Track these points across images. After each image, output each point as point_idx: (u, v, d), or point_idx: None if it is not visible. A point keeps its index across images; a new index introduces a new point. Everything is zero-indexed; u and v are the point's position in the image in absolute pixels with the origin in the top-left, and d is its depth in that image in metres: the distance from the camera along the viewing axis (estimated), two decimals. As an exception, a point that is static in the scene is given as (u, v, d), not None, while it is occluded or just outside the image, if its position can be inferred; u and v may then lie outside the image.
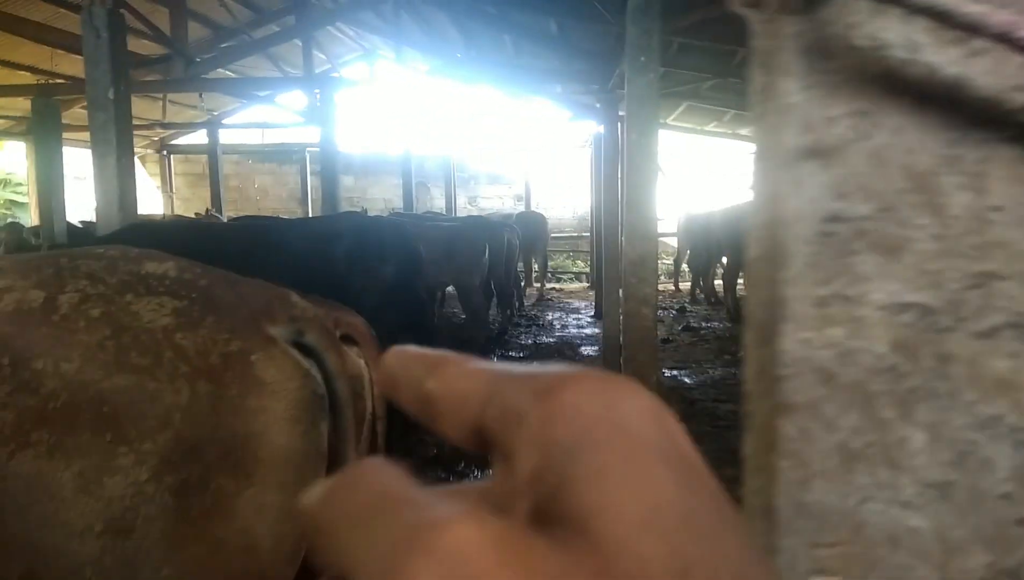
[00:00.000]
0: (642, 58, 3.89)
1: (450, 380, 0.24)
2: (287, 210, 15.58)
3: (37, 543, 1.16)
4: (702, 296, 11.91)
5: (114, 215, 3.71)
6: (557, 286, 14.19)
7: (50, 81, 10.05)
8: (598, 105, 10.69)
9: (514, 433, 0.22)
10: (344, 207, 9.32)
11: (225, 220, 8.84)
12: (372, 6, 9.56)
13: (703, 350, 7.75)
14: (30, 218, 12.39)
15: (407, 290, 5.62)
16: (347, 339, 1.61)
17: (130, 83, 4.34)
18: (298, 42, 10.57)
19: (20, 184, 14.48)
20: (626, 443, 0.21)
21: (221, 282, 1.40)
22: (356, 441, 1.51)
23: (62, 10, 8.87)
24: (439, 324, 8.21)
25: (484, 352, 7.88)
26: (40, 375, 1.16)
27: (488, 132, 16.57)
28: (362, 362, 1.65)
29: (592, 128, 13.50)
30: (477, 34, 10.12)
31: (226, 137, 13.63)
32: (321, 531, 0.21)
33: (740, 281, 11.29)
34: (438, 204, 15.92)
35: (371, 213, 12.11)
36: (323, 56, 12.26)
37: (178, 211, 14.66)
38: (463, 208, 16.36)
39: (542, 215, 13.29)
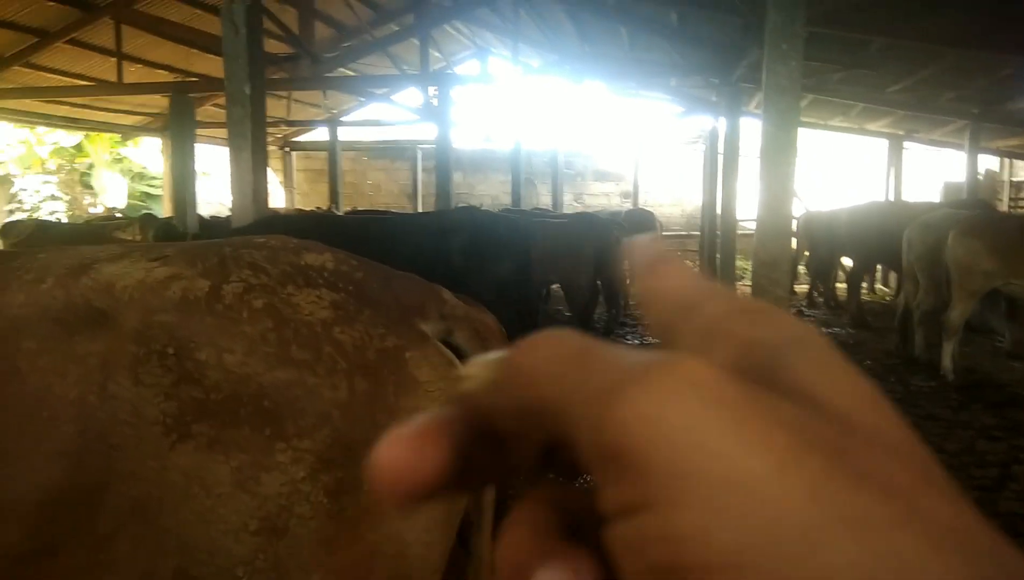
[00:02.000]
0: (783, 46, 3.66)
1: (668, 280, 0.25)
2: (398, 205, 15.96)
3: (191, 539, 1.14)
4: (820, 300, 11.31)
5: (248, 207, 3.83)
6: (665, 286, 13.86)
7: (185, 79, 10.65)
8: (715, 99, 10.32)
9: (716, 332, 0.23)
10: (454, 203, 9.41)
11: (342, 214, 9.06)
12: (490, 3, 9.59)
13: (827, 358, 7.31)
14: (162, 210, 13.20)
15: (520, 287, 5.58)
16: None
17: (264, 80, 4.48)
18: (415, 40, 10.75)
19: (154, 177, 15.47)
20: (827, 347, 0.23)
21: (375, 275, 1.35)
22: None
23: (198, 11, 9.37)
24: (545, 322, 8.13)
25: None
26: (203, 366, 1.14)
27: (596, 128, 16.39)
28: None
29: (705, 124, 13.10)
30: (592, 27, 9.98)
31: (343, 134, 14.07)
32: (522, 375, 0.22)
33: (864, 285, 10.65)
34: (544, 201, 15.86)
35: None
36: (439, 54, 12.43)
37: (298, 205, 15.27)
38: (570, 205, 16.25)
39: (651, 213, 12.99)
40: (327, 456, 1.15)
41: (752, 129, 11.96)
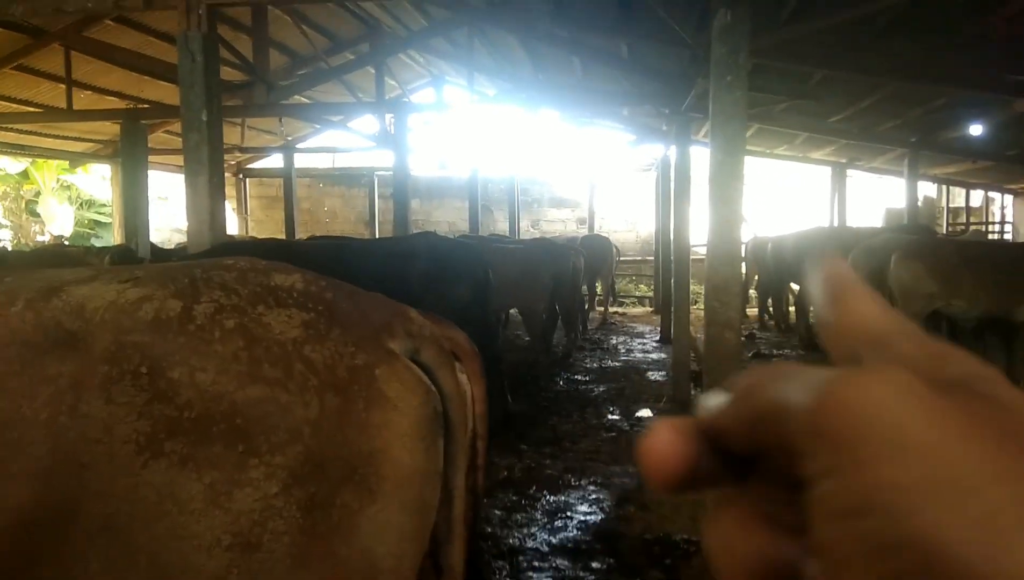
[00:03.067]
0: (728, 77, 3.82)
1: (856, 312, 0.28)
2: (355, 232, 15.90)
3: (164, 556, 1.15)
4: (771, 322, 11.60)
5: (205, 233, 3.82)
6: (620, 310, 14.04)
7: (136, 106, 10.52)
8: (666, 128, 10.60)
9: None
10: (411, 230, 9.43)
11: (300, 241, 8.97)
12: (444, 32, 9.72)
13: (778, 378, 7.49)
14: (112, 238, 12.92)
15: (478, 311, 5.63)
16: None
17: (220, 107, 4.48)
18: (371, 69, 10.82)
19: (103, 205, 15.15)
20: (1012, 386, 0.25)
21: (344, 295, 1.39)
22: (464, 460, 1.47)
23: (151, 38, 9.29)
24: (503, 346, 8.17)
25: (548, 375, 7.82)
26: (176, 385, 1.16)
27: (552, 155, 16.63)
28: (464, 378, 1.61)
29: (657, 151, 13.42)
30: (546, 57, 10.19)
31: (299, 161, 14.02)
32: (750, 389, 0.26)
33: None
34: (501, 227, 16.00)
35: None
36: (394, 82, 12.52)
37: (252, 233, 15.09)
38: (526, 231, 16.42)
39: (607, 238, 13.19)
40: (300, 471, 1.17)
41: (702, 157, 12.31)
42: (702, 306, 10.50)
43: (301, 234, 13.25)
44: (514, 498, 4.36)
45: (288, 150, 13.23)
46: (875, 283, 6.42)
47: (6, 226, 14.88)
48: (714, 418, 0.27)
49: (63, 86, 9.24)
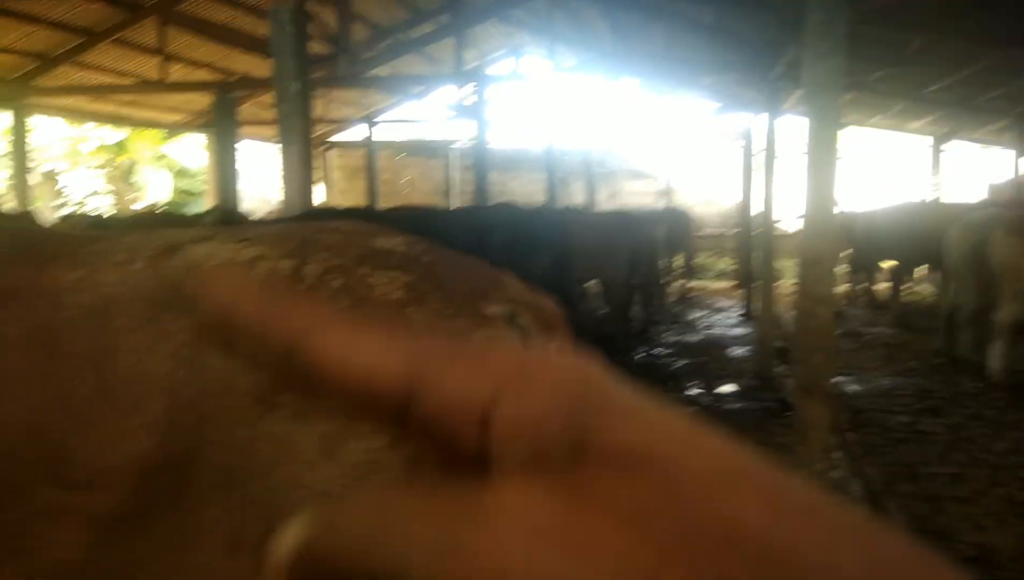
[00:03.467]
0: (824, 45, 3.65)
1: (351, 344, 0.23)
2: (432, 203, 16.08)
3: (277, 505, 1.20)
4: (861, 299, 11.16)
5: (297, 202, 3.94)
6: (700, 284, 13.77)
7: (227, 79, 10.86)
8: (752, 97, 10.25)
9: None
10: (489, 202, 9.45)
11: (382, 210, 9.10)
12: (525, 2, 9.63)
13: (868, 357, 7.24)
14: (205, 206, 13.47)
15: (558, 283, 5.62)
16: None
17: (309, 78, 4.58)
18: (451, 40, 10.84)
19: (194, 174, 15.79)
20: (623, 392, 0.23)
21: (443, 259, 1.41)
22: None
23: (239, 12, 9.56)
24: (583, 319, 8.13)
25: (626, 350, 7.76)
26: (289, 341, 1.20)
27: (631, 127, 16.35)
28: (553, 346, 1.60)
29: (742, 121, 13.01)
30: (627, 26, 9.97)
31: (379, 133, 14.24)
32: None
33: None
34: (578, 199, 15.88)
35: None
36: (474, 53, 12.52)
37: (335, 203, 15.48)
38: (603, 203, 16.24)
39: (686, 212, 12.92)
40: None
41: (792, 127, 11.86)
42: (787, 282, 10.21)
43: (382, 205, 13.51)
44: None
45: (370, 122, 13.45)
46: (976, 260, 6.08)
47: (106, 194, 15.72)
48: None
49: (157, 59, 9.63)
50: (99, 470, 1.21)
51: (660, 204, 15.63)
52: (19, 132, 9.76)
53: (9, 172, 11.09)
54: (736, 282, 13.52)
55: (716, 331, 9.28)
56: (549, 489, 0.20)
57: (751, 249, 10.94)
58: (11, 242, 1.46)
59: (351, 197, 16.19)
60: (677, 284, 12.56)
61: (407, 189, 17.09)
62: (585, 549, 0.19)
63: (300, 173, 4.06)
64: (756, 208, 10.36)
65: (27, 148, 9.99)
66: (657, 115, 15.93)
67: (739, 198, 13.15)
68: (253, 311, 0.25)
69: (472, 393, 0.22)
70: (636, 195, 16.90)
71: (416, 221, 5.33)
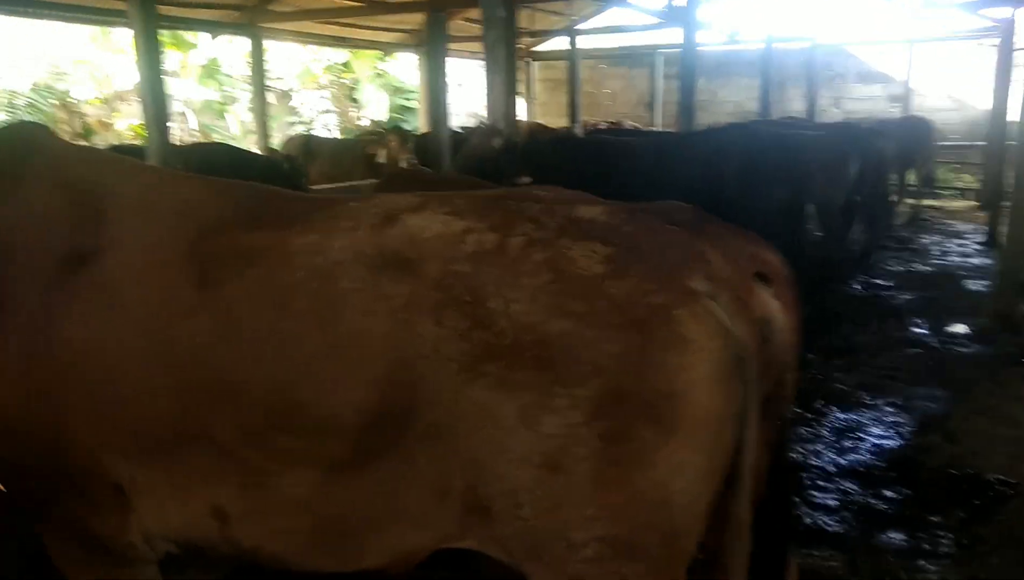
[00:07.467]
0: None
1: None
2: (635, 116, 15.61)
3: (481, 463, 1.29)
4: None
5: (502, 125, 4.05)
6: (936, 204, 12.28)
7: (438, -3, 11.07)
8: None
9: None
10: (696, 115, 8.93)
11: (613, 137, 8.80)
12: None
13: None
14: (418, 122, 14.13)
15: (791, 213, 5.28)
16: (761, 277, 1.47)
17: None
18: (661, -63, 10.16)
19: (411, 91, 16.52)
20: None
21: (644, 229, 1.37)
22: (756, 413, 1.39)
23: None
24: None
25: (843, 277, 7.18)
26: (493, 314, 1.25)
27: (862, 20, 14.52)
28: (776, 304, 1.50)
29: (1000, 13, 11.08)
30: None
31: (581, 43, 13.92)
32: None
33: None
34: (797, 107, 14.56)
35: (723, 120, 11.54)
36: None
37: (538, 117, 15.54)
38: (826, 111, 14.80)
39: (927, 121, 11.41)
40: (601, 403, 1.22)
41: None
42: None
43: (584, 117, 13.34)
44: (797, 410, 4.19)
45: (572, 32, 13.17)
46: None
47: (333, 112, 16.97)
48: None
49: (376, -20, 10.01)
50: (327, 419, 1.36)
51: (892, 111, 13.96)
52: (257, 56, 10.74)
53: (250, 94, 12.30)
54: (979, 203, 11.90)
55: (952, 259, 8.31)
56: None
57: (1002, 164, 9.52)
58: (261, 203, 1.63)
59: (552, 109, 16.13)
60: (908, 203, 11.29)
61: (610, 101, 16.68)
62: None
63: (505, 99, 4.12)
64: (1012, 115, 8.92)
65: (264, 71, 10.99)
66: (894, 5, 13.98)
67: (990, 104, 11.40)
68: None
69: None
70: (866, 101, 15.18)
71: (646, 149, 5.14)
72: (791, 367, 1.54)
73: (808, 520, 3.08)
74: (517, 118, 4.55)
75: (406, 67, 16.15)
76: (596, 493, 1.24)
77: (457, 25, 12.15)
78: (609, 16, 14.43)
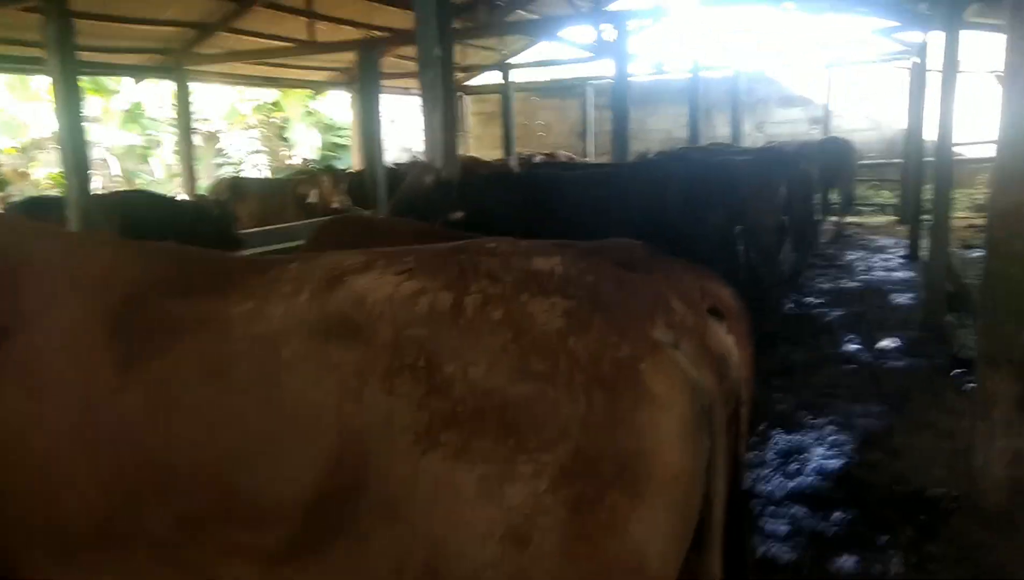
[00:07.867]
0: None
1: None
2: (569, 146, 15.79)
3: (440, 540, 1.20)
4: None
5: (440, 162, 4.01)
6: (858, 220, 12.77)
7: (369, 34, 11.05)
8: (927, 10, 9.14)
9: None
10: (629, 144, 9.07)
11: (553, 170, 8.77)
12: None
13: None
14: (351, 160, 13.99)
15: (727, 237, 5.35)
16: (714, 313, 1.45)
17: (452, 38, 4.53)
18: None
19: (342, 128, 16.37)
20: None
21: (603, 279, 1.32)
22: (723, 464, 1.35)
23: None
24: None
25: (775, 297, 7.33)
26: (450, 379, 1.17)
27: (781, 48, 15.11)
28: (730, 340, 1.47)
29: (912, 37, 11.68)
30: (780, -58, 9.13)
31: (513, 76, 14.07)
32: None
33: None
34: (722, 132, 15.02)
35: (653, 147, 11.77)
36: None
37: (472, 150, 15.58)
38: (749, 135, 15.29)
39: (847, 141, 11.91)
40: (568, 469, 1.15)
41: (970, 43, 10.51)
42: (959, 216, 9.22)
43: (520, 149, 13.43)
44: (744, 434, 4.20)
45: (505, 67, 13.31)
46: None
47: (262, 152, 16.67)
48: None
49: (304, 19, 9.92)
50: (270, 506, 1.24)
51: (813, 133, 14.53)
52: (183, 99, 10.48)
53: (175, 137, 11.96)
54: (899, 217, 12.44)
55: (877, 274, 8.61)
56: None
57: (920, 180, 9.96)
58: (190, 268, 1.52)
59: (486, 142, 16.22)
60: (831, 221, 11.70)
61: (542, 132, 16.88)
62: None
63: (443, 137, 4.08)
64: (928, 134, 9.35)
65: (190, 113, 10.72)
66: (811, 33, 14.61)
67: (906, 123, 11.96)
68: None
69: None
70: (787, 124, 15.77)
71: (585, 182, 5.14)
72: (745, 402, 1.51)
73: (761, 548, 3.06)
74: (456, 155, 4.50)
75: (338, 104, 16.00)
76: (566, 565, 1.17)
77: (390, 62, 12.14)
78: (540, 50, 14.65)
